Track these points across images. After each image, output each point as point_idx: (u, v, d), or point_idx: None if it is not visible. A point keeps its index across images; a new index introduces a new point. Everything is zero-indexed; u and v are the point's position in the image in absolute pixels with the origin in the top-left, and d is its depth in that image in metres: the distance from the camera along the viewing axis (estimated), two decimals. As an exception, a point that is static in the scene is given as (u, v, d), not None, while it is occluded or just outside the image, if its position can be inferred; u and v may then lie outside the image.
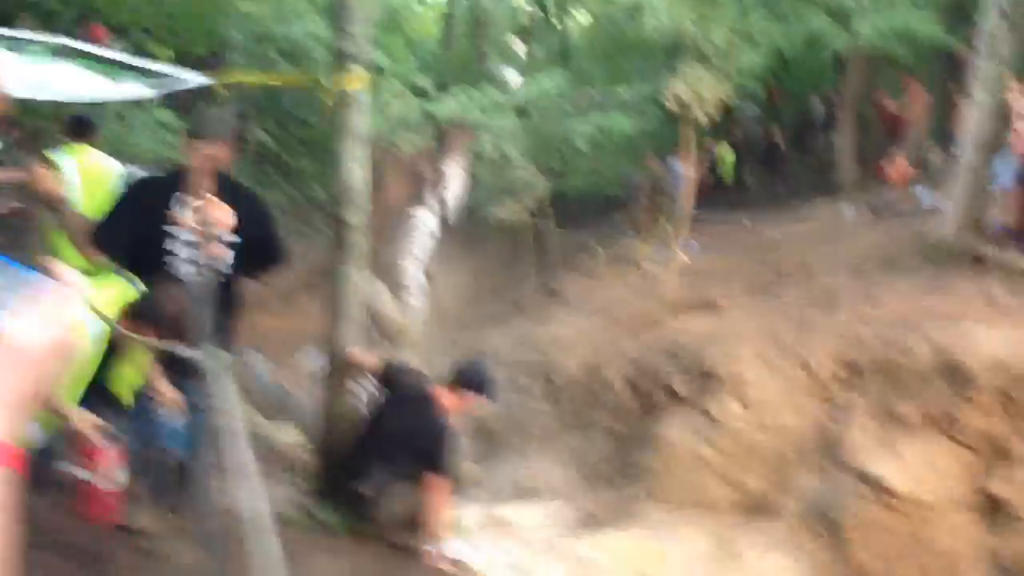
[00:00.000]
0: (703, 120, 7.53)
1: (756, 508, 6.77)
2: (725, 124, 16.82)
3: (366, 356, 5.26)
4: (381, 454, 4.68)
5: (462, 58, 22.99)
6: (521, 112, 13.86)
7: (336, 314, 4.47)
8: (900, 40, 9.95)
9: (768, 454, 6.83)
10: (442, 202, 24.65)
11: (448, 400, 4.67)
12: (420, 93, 13.48)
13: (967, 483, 5.73)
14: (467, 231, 21.94)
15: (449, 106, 12.88)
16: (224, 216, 3.33)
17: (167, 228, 3.47)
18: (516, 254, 15.53)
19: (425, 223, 26.82)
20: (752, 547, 6.29)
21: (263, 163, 19.43)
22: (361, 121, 4.19)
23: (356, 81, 4.07)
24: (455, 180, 28.85)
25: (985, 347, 5.88)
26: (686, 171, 8.02)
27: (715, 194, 14.73)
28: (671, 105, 7.43)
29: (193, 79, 4.04)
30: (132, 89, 3.73)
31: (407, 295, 19.42)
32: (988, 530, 5.51)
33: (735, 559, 6.24)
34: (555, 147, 14.03)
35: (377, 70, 12.27)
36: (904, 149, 11.14)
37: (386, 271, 23.56)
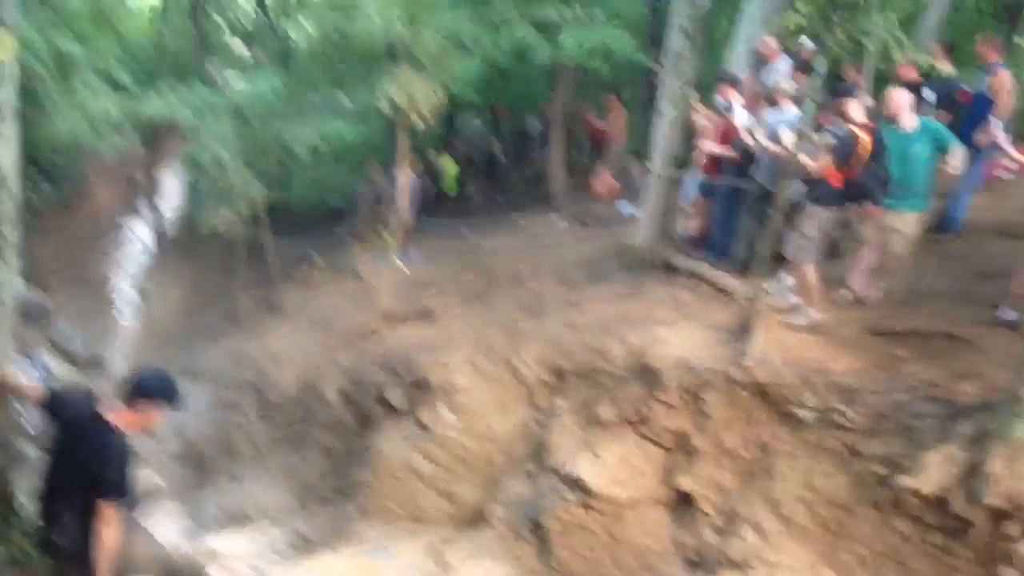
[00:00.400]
0: (418, 125, 7.46)
1: (468, 518, 6.78)
2: (448, 136, 17.11)
3: (23, 382, 4.62)
4: (61, 491, 4.14)
5: (175, 55, 21.63)
6: (237, 115, 13.17)
7: None
8: (600, 56, 10.52)
9: (479, 462, 6.88)
10: (156, 212, 22.99)
11: (124, 417, 4.16)
12: (121, 89, 12.33)
13: (658, 479, 6.02)
14: (182, 241, 20.60)
15: (155, 105, 11.89)
16: None
17: None
18: (233, 265, 14.75)
19: (138, 235, 25.09)
20: (465, 558, 6.28)
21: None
22: (6, 94, 3.53)
23: (1, 50, 3.44)
24: (170, 188, 27.06)
25: (671, 348, 6.25)
26: (402, 179, 7.91)
27: (438, 205, 14.88)
28: (384, 108, 7.29)
29: None
30: None
31: (118, 314, 17.87)
32: (677, 524, 5.82)
33: (448, 571, 6.19)
34: (273, 153, 13.48)
35: (70, 62, 11.14)
36: (608, 164, 11.81)
37: (95, 287, 21.59)
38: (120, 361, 14.15)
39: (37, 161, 21.30)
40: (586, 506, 5.90)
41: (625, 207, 10.32)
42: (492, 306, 8.44)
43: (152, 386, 4.26)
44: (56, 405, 4.33)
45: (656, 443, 6.10)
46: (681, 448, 6.01)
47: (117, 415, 4.15)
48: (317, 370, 8.64)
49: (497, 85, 16.64)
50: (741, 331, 6.09)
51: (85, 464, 4.05)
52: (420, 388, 7.27)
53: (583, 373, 6.64)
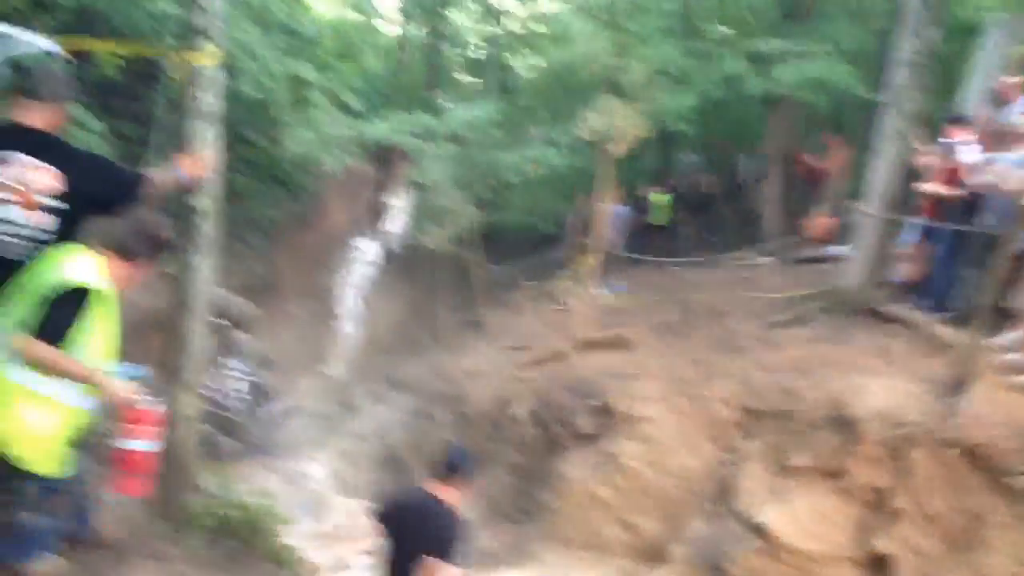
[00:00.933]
0: (618, 154, 7.52)
1: (648, 552, 6.68)
2: (662, 170, 17.09)
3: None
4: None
5: (410, 84, 23.10)
6: (456, 140, 13.85)
7: (181, 305, 4.16)
8: (817, 90, 10.14)
9: (662, 496, 6.76)
10: (385, 231, 24.48)
11: (450, 495, 4.33)
12: (351, 113, 13.32)
13: (852, 536, 5.67)
14: (404, 258, 21.82)
15: (380, 128, 12.73)
16: (45, 180, 3.22)
17: None
18: (449, 284, 15.45)
19: (366, 253, 26.54)
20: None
21: (197, 176, 19.10)
22: (211, 100, 3.92)
23: (207, 57, 3.84)
24: (398, 209, 28.72)
25: (874, 398, 5.89)
26: (604, 207, 7.99)
27: (647, 237, 14.87)
28: (584, 135, 7.42)
29: (38, 42, 3.82)
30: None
31: (341, 322, 19.19)
32: (871, 585, 5.46)
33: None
34: (487, 177, 14.02)
35: (307, 85, 12.18)
36: (824, 205, 11.32)
37: (324, 297, 23.28)
38: (340, 367, 15.13)
39: (278, 179, 23.35)
40: (772, 556, 5.65)
41: (837, 249, 9.84)
42: (687, 340, 8.31)
43: (465, 465, 4.46)
44: (392, 516, 4.48)
45: (851, 497, 5.76)
46: (879, 506, 5.63)
47: (445, 492, 4.30)
48: (510, 389, 8.84)
49: (712, 120, 16.47)
50: (954, 386, 5.63)
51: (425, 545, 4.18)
52: (607, 416, 7.27)
53: (775, 415, 6.40)
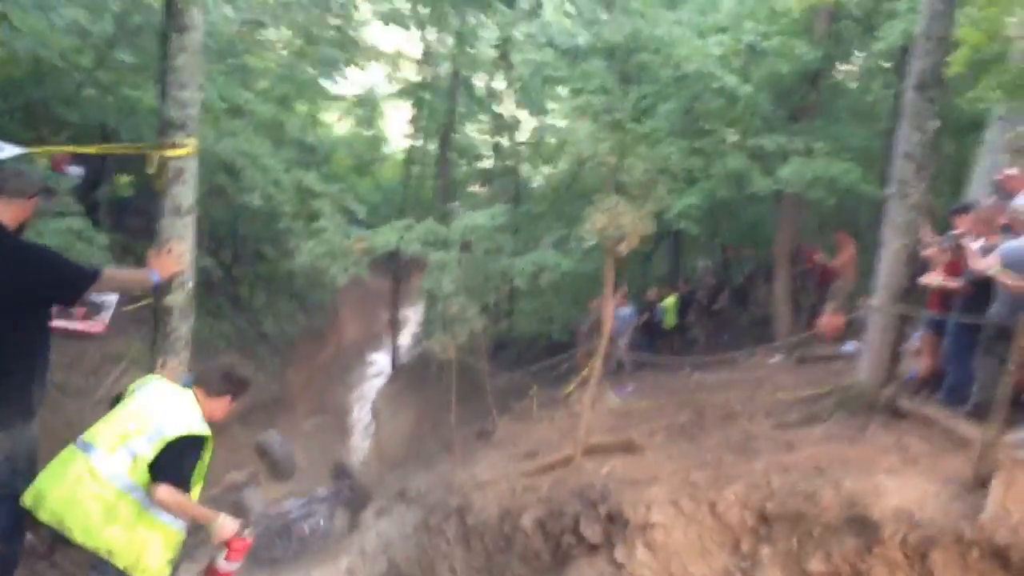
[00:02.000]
0: (623, 253, 7.45)
1: (661, 670, 6.28)
2: (673, 273, 17.09)
3: None
4: None
5: (420, 197, 23.53)
6: (464, 248, 13.93)
7: None
8: (823, 188, 10.13)
9: (675, 609, 6.39)
10: (395, 344, 24.42)
11: None
12: (360, 223, 13.48)
13: (875, 646, 5.31)
14: (416, 369, 21.70)
15: (387, 237, 12.82)
16: None
17: None
18: (460, 393, 15.28)
19: (378, 363, 26.33)
20: None
21: (214, 293, 19.25)
22: (185, 194, 3.88)
23: (181, 150, 3.82)
24: (414, 319, 28.67)
25: (893, 498, 5.61)
26: (608, 310, 7.88)
27: (659, 340, 14.74)
28: (587, 236, 7.37)
29: (4, 150, 3.83)
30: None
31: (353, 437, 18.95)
32: None
33: None
34: (495, 284, 14.04)
35: (314, 196, 12.35)
36: (835, 302, 11.18)
37: (338, 413, 23.00)
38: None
39: (292, 293, 23.53)
40: (791, 670, 5.28)
41: (849, 346, 9.65)
42: (699, 443, 8.06)
43: None
44: None
45: (872, 603, 5.41)
46: (903, 613, 5.29)
47: None
48: (517, 499, 8.56)
49: (720, 219, 16.57)
50: (976, 484, 5.36)
51: None
52: (616, 523, 6.97)
53: (791, 519, 6.08)
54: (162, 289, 3.86)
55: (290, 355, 21.81)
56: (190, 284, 3.94)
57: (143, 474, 3.40)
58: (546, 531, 7.79)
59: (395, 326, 23.97)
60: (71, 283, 3.59)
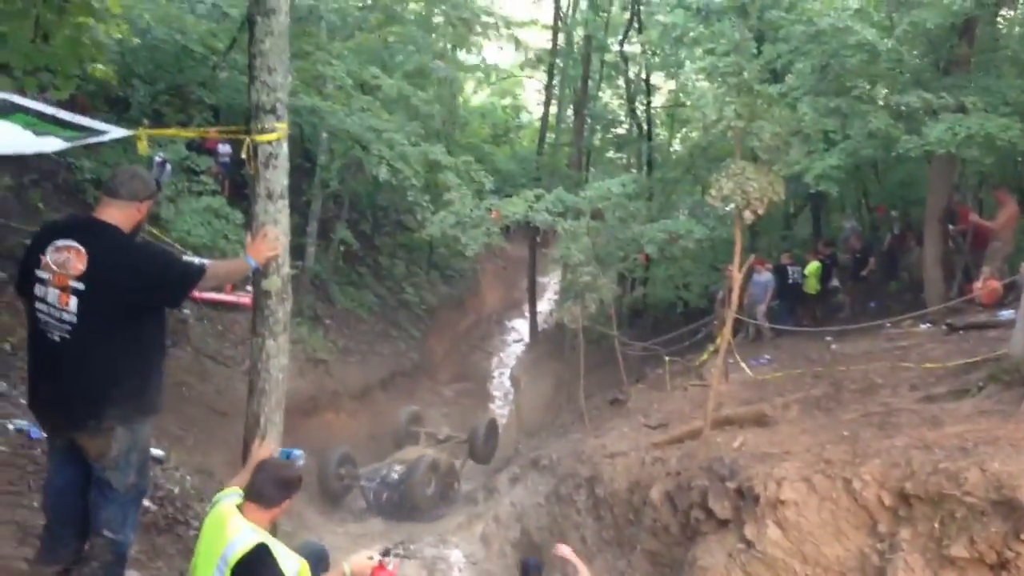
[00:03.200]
0: (753, 219, 7.15)
1: (792, 650, 6.10)
2: (816, 236, 16.35)
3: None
4: None
5: (555, 161, 23.47)
6: (596, 216, 13.80)
7: (253, 389, 4.10)
8: (980, 146, 9.35)
9: (806, 589, 6.17)
10: (533, 311, 24.66)
11: None
12: (488, 194, 13.55)
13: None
14: (552, 338, 21.80)
15: (515, 206, 12.83)
16: (75, 264, 3.43)
17: (38, 271, 3.54)
18: (595, 362, 15.24)
19: (517, 333, 26.57)
20: None
21: (355, 262, 19.94)
22: (277, 179, 3.93)
23: (272, 135, 3.87)
24: (553, 286, 28.88)
25: (1045, 480, 5.19)
26: (737, 276, 7.61)
27: (802, 307, 14.19)
28: (713, 202, 7.10)
29: (111, 131, 3.99)
30: (50, 143, 3.73)
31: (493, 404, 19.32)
32: None
33: None
34: (628, 252, 13.84)
35: (440, 168, 12.50)
36: (992, 264, 10.39)
37: (477, 379, 23.48)
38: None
39: (434, 263, 24.03)
40: (928, 657, 5.02)
41: (1007, 313, 8.96)
42: (836, 416, 7.71)
43: None
44: None
45: (1021, 592, 5.05)
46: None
47: None
48: (646, 471, 8.48)
49: (867, 179, 15.67)
50: None
51: None
52: (745, 499, 6.78)
53: (932, 500, 5.73)
54: (259, 274, 3.95)
55: (431, 323, 22.31)
56: (286, 269, 4.02)
57: None
58: (675, 505, 7.68)
59: (533, 293, 24.12)
60: (180, 284, 3.70)
